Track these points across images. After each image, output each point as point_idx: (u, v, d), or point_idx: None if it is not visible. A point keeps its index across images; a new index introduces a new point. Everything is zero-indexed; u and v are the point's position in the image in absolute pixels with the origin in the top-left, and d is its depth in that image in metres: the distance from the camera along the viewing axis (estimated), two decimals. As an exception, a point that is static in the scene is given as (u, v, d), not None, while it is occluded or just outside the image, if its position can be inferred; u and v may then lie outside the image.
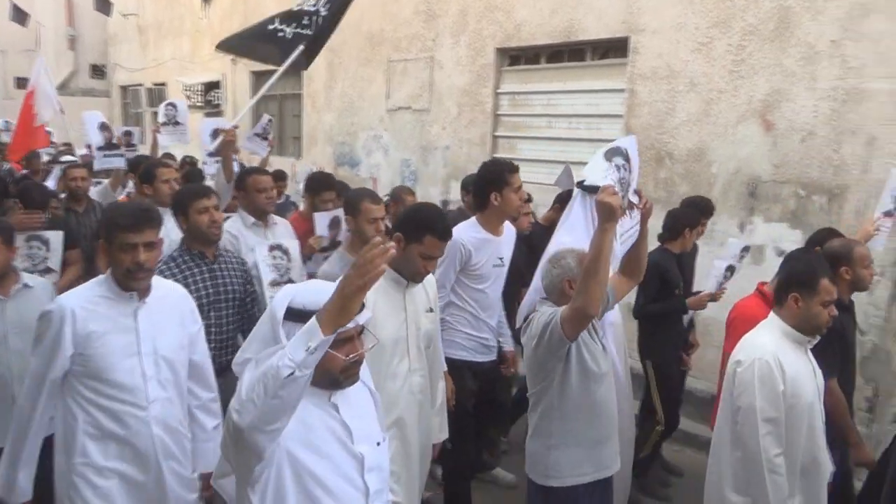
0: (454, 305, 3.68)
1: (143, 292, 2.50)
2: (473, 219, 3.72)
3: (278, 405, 1.61)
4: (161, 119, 6.77)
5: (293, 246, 3.98)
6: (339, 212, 4.37)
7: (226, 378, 3.22)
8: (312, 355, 1.59)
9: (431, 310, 3.02)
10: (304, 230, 4.27)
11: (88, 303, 2.43)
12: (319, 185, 4.59)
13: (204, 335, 2.77)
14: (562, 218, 2.99)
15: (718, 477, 2.78)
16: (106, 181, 6.07)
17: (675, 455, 5.00)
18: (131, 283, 2.44)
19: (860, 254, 3.41)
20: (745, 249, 4.22)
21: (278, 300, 1.82)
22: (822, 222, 5.10)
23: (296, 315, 1.76)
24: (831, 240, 3.63)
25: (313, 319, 1.61)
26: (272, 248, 3.87)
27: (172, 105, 6.90)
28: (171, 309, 2.60)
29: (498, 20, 7.48)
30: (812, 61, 5.12)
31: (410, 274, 2.85)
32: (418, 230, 2.80)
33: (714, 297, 4.30)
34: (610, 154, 2.73)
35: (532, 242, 4.57)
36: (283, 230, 4.20)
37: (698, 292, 4.40)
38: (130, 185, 5.83)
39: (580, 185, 2.84)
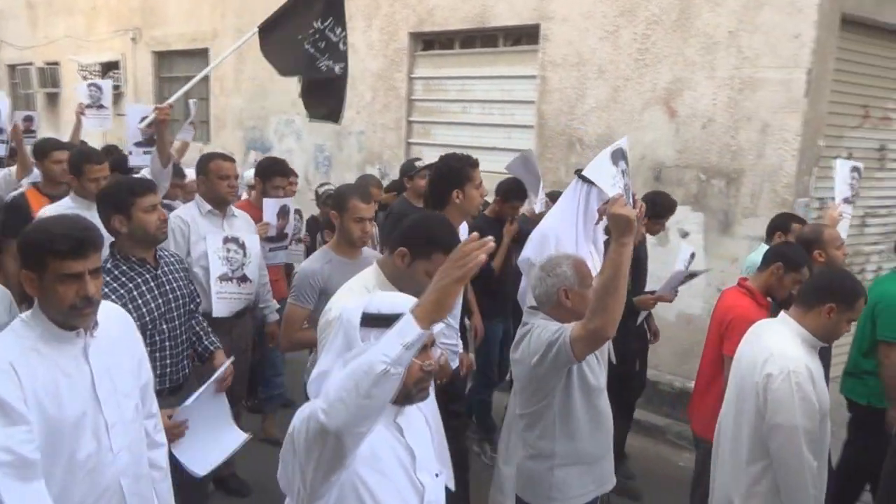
0: None
1: (90, 325, 2.05)
2: None
3: (369, 405, 1.56)
4: (85, 101, 6.32)
5: (252, 241, 3.80)
6: (288, 201, 4.25)
7: (180, 396, 2.90)
8: (408, 351, 1.56)
9: None
10: (253, 218, 4.14)
11: (26, 354, 1.91)
12: (270, 170, 4.44)
13: (147, 357, 2.35)
14: (557, 203, 2.91)
15: (732, 490, 2.73)
16: (10, 168, 5.62)
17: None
18: (77, 321, 1.98)
19: (830, 236, 3.58)
20: (693, 255, 4.29)
21: (349, 311, 1.76)
22: (721, 205, 5.39)
23: (373, 320, 1.72)
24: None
25: (408, 315, 1.58)
26: (227, 240, 3.70)
27: (96, 86, 6.46)
28: (119, 335, 2.17)
29: (410, 4, 7.42)
30: (711, 51, 5.36)
31: (413, 292, 2.59)
32: (427, 246, 2.51)
33: (662, 299, 4.24)
34: (616, 157, 2.69)
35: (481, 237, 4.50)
36: (242, 224, 3.97)
37: (652, 291, 4.32)
38: (37, 172, 5.43)
39: (577, 172, 2.84)
